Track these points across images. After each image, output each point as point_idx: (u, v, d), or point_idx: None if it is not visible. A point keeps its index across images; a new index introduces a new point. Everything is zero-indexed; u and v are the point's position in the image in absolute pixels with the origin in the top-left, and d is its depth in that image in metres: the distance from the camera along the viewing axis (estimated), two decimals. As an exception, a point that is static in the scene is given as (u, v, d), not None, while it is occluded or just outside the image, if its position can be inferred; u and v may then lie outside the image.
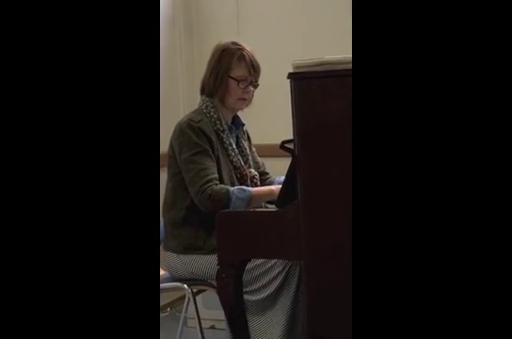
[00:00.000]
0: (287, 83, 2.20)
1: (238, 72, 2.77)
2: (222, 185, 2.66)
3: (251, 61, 2.78)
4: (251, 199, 2.65)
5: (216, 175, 2.68)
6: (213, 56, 2.81)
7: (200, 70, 2.93)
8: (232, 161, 2.79)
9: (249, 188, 2.69)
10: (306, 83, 2.17)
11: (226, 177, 2.73)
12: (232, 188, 2.64)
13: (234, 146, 2.82)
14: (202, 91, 2.85)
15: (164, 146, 2.63)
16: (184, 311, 3.01)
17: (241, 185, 2.76)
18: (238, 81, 2.77)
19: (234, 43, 2.81)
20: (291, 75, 2.18)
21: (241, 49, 2.78)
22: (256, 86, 2.84)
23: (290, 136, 2.24)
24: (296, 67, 2.19)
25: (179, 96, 3.87)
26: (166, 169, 2.84)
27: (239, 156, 2.82)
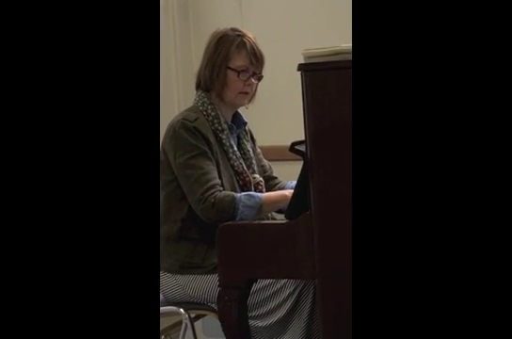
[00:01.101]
0: (297, 75, 2.19)
1: (238, 61, 2.72)
2: (227, 192, 2.61)
3: (253, 49, 2.72)
4: (262, 206, 2.61)
5: (219, 180, 2.63)
6: (209, 44, 2.77)
7: (198, 62, 2.90)
8: (233, 166, 2.74)
9: (259, 194, 2.65)
10: (320, 75, 2.17)
11: (226, 184, 2.68)
12: (238, 195, 2.60)
13: (235, 148, 2.77)
14: (198, 86, 2.80)
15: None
16: (180, 338, 2.96)
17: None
18: (238, 72, 2.71)
19: (234, 29, 2.77)
20: (302, 67, 2.17)
21: (241, 35, 2.74)
22: (260, 78, 2.77)
23: (301, 136, 2.23)
24: (309, 57, 2.18)
25: (173, 91, 3.89)
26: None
27: (241, 160, 2.78)
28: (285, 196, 2.61)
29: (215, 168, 2.65)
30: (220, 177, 2.67)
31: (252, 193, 2.64)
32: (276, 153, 3.08)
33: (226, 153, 2.73)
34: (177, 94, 3.88)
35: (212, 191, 2.58)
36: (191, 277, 2.69)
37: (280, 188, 2.88)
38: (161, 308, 2.75)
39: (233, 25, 2.97)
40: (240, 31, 2.75)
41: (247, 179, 2.75)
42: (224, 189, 2.65)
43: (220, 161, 2.69)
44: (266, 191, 2.82)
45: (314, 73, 2.16)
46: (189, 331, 2.86)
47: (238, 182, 2.74)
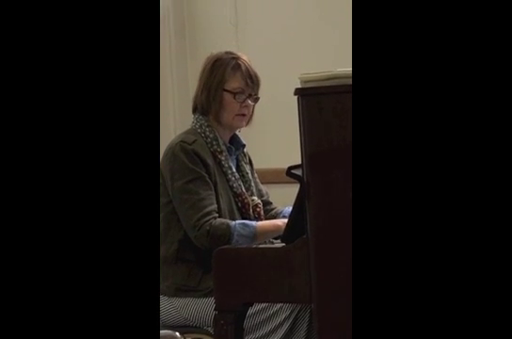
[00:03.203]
0: (294, 98, 2.19)
1: (233, 83, 2.74)
2: (222, 220, 2.62)
3: (248, 71, 2.75)
4: (255, 235, 2.62)
5: (215, 206, 2.64)
6: (204, 68, 2.79)
7: (194, 84, 2.91)
8: (231, 187, 2.74)
9: (253, 223, 2.65)
10: (316, 99, 2.17)
11: (225, 206, 2.69)
12: (233, 223, 2.60)
13: (234, 170, 2.78)
14: (195, 110, 2.82)
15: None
16: None
17: (242, 214, 2.74)
18: (234, 94, 2.73)
19: (228, 53, 2.79)
20: (299, 91, 2.17)
21: (235, 58, 2.76)
22: (256, 99, 2.79)
23: (297, 159, 2.22)
24: (305, 81, 2.18)
25: (169, 114, 3.89)
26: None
27: (240, 181, 2.78)
28: (278, 226, 2.62)
29: (212, 193, 2.65)
30: (219, 199, 2.67)
31: (247, 222, 2.65)
32: (272, 176, 3.08)
33: (225, 174, 2.74)
34: (173, 117, 3.90)
35: (207, 218, 2.59)
36: (187, 300, 2.69)
37: (274, 215, 2.90)
38: (157, 332, 2.75)
39: (229, 47, 3.00)
40: (234, 54, 2.78)
41: (245, 201, 2.76)
42: (222, 212, 2.66)
43: (219, 182, 2.70)
44: (265, 216, 2.84)
45: (311, 98, 2.17)
46: None
47: (237, 203, 2.75)
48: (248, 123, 2.81)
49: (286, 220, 2.52)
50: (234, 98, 2.72)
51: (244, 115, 2.75)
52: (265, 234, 2.66)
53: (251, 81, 2.74)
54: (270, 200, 2.97)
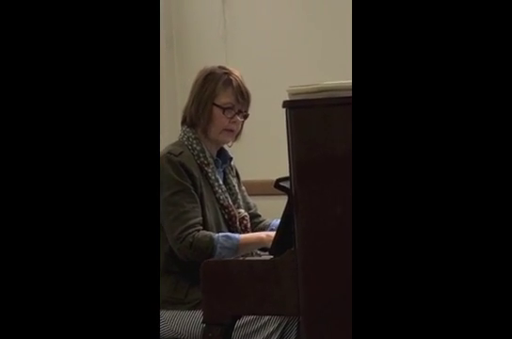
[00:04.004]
0: (282, 111, 2.18)
1: (224, 98, 2.74)
2: (205, 232, 2.62)
3: (239, 87, 2.75)
4: (238, 248, 2.63)
5: (200, 219, 2.64)
6: (196, 81, 2.80)
7: (182, 97, 2.90)
8: (218, 199, 2.75)
9: (236, 236, 2.66)
10: (304, 112, 2.17)
11: (211, 218, 2.70)
12: (216, 235, 2.61)
13: (221, 182, 2.79)
14: (184, 122, 2.83)
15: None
16: None
17: (228, 227, 2.74)
18: (224, 109, 2.74)
19: (221, 67, 2.80)
20: (287, 104, 2.17)
21: (228, 73, 2.77)
22: (246, 116, 2.81)
23: (285, 172, 2.21)
24: (293, 94, 2.18)
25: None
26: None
27: (226, 194, 2.79)
28: (262, 239, 2.65)
29: (197, 205, 2.66)
30: (205, 211, 2.68)
31: (230, 234, 2.66)
32: (260, 188, 3.08)
33: (211, 186, 2.74)
34: (162, 128, 3.88)
35: (191, 230, 2.60)
36: (175, 312, 2.68)
37: (263, 227, 2.91)
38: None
39: (218, 60, 3.05)
40: (227, 69, 2.78)
41: (232, 213, 2.76)
42: (208, 224, 2.67)
43: (205, 195, 2.70)
44: (251, 227, 2.84)
45: (299, 110, 2.17)
46: None
47: (223, 216, 2.76)
48: (236, 140, 2.83)
49: (271, 233, 2.57)
50: (223, 113, 2.74)
51: (232, 131, 2.77)
52: (248, 246, 2.67)
53: (242, 97, 2.75)
54: (258, 212, 2.97)
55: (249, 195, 2.97)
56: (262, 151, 3.56)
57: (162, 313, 2.68)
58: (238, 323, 2.47)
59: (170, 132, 3.58)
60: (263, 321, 2.57)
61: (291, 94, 2.18)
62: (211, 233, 2.62)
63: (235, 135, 2.80)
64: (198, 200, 2.66)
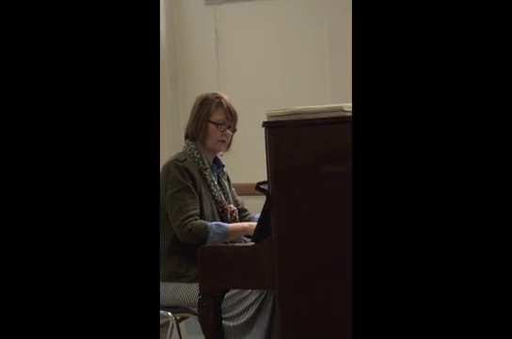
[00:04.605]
0: (262, 130, 2.17)
1: (217, 116, 2.74)
2: (201, 221, 2.61)
3: (228, 107, 2.76)
4: (227, 234, 2.61)
5: (197, 211, 2.63)
6: (195, 105, 2.82)
7: (184, 117, 2.85)
8: (214, 196, 2.73)
9: (226, 224, 2.66)
10: (278, 131, 2.16)
11: (208, 210, 2.68)
12: (210, 224, 2.60)
13: (216, 183, 2.78)
14: (186, 137, 2.84)
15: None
16: (168, 336, 2.89)
17: (221, 218, 2.72)
18: (217, 125, 2.74)
19: (213, 94, 2.82)
20: (265, 124, 2.17)
21: (219, 98, 2.78)
22: (234, 130, 2.82)
23: (264, 177, 2.21)
24: (270, 116, 2.17)
25: (164, 139, 3.83)
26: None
27: (220, 192, 2.78)
28: (245, 228, 2.64)
29: (196, 200, 2.64)
30: (203, 205, 2.66)
31: (221, 223, 2.65)
32: (247, 189, 3.01)
33: (208, 186, 2.73)
34: (167, 142, 3.83)
35: (190, 219, 2.58)
36: (177, 284, 2.64)
37: (248, 219, 2.87)
38: (153, 311, 2.71)
39: (212, 88, 3.05)
40: (218, 95, 2.81)
41: (224, 207, 2.75)
42: (205, 215, 2.65)
43: (204, 193, 2.69)
44: (239, 219, 2.81)
45: (274, 129, 2.16)
46: (175, 330, 2.82)
47: (217, 209, 2.74)
48: (227, 149, 2.81)
49: (253, 223, 2.56)
50: (217, 128, 2.73)
51: (224, 141, 2.77)
52: (235, 233, 2.65)
53: (230, 115, 2.76)
54: (245, 207, 2.94)
55: (238, 194, 2.95)
56: (246, 160, 3.47)
57: (168, 284, 2.66)
58: (227, 294, 2.47)
59: (175, 145, 3.55)
60: (246, 293, 2.56)
61: (268, 116, 2.17)
62: (206, 221, 2.61)
63: (227, 145, 2.79)
64: (197, 196, 2.65)
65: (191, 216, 2.58)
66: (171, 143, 3.72)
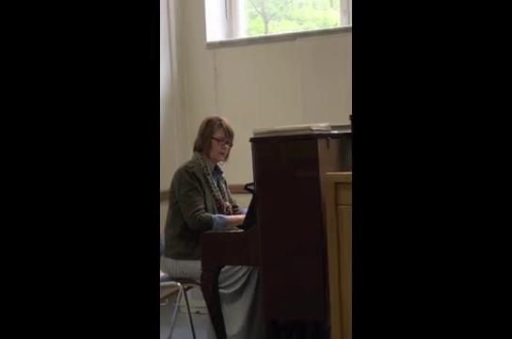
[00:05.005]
0: (249, 144, 2.21)
1: (218, 134, 2.83)
2: (207, 213, 2.69)
3: (227, 128, 2.85)
4: (226, 223, 2.69)
5: (203, 206, 2.71)
6: (201, 125, 2.88)
7: (191, 135, 3.01)
8: (214, 195, 2.78)
9: (226, 216, 2.73)
10: (262, 145, 2.19)
11: (209, 206, 2.74)
12: (214, 216, 2.68)
13: (216, 185, 2.83)
14: (194, 149, 2.88)
15: (162, 186, 2.52)
16: (177, 301, 2.95)
17: (219, 213, 2.77)
18: (218, 141, 2.83)
19: (216, 117, 2.90)
20: (252, 139, 2.23)
21: (220, 120, 2.87)
22: (231, 145, 2.89)
23: (251, 180, 2.23)
24: (255, 134, 2.22)
25: (174, 152, 3.90)
26: (166, 201, 2.81)
27: (219, 192, 2.83)
28: (239, 219, 2.68)
29: (202, 198, 2.71)
30: (205, 202, 2.71)
31: (222, 215, 2.72)
32: (238, 189, 3.10)
33: (210, 187, 2.77)
34: (177, 154, 3.88)
35: (198, 213, 2.66)
36: (186, 262, 2.70)
37: (239, 212, 2.90)
38: (166, 282, 2.73)
39: (212, 112, 3.25)
40: (219, 118, 2.89)
41: (221, 203, 2.80)
42: (207, 210, 2.70)
43: (206, 192, 2.74)
44: (233, 213, 2.84)
45: (259, 144, 2.20)
46: (183, 297, 2.85)
47: (216, 205, 2.78)
48: (225, 160, 2.90)
49: (244, 216, 2.54)
50: (218, 143, 2.83)
51: (223, 153, 2.85)
52: (232, 223, 2.71)
53: (228, 134, 2.86)
54: (236, 204, 2.98)
55: (232, 193, 2.97)
56: (238, 167, 3.52)
57: (178, 261, 2.71)
58: (222, 270, 2.50)
59: (184, 155, 3.60)
60: (236, 268, 2.56)
61: (254, 134, 2.22)
62: (211, 214, 2.68)
63: (225, 156, 2.86)
64: (202, 195, 2.71)
65: (199, 210, 2.65)
66: (181, 154, 3.77)
